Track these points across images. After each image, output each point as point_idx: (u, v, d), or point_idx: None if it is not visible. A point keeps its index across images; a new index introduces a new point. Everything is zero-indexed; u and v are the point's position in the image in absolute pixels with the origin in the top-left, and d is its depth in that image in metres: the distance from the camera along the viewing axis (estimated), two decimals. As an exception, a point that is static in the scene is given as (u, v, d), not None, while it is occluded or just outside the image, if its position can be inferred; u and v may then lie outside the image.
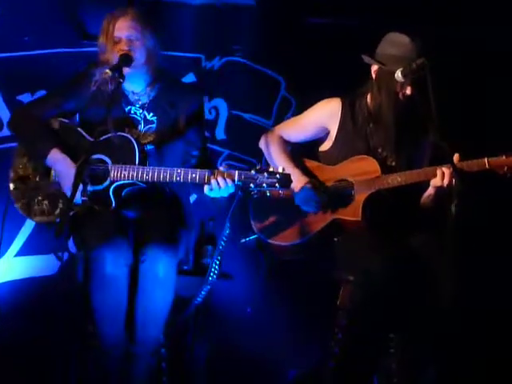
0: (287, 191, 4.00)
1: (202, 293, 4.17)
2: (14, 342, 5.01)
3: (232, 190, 3.96)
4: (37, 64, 5.48)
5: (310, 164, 4.45)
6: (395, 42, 4.22)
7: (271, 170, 3.89)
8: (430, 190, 4.18)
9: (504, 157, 4.05)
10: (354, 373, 4.09)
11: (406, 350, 4.08)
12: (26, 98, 5.43)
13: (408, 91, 4.19)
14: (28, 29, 5.48)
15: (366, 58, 4.31)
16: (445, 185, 4.04)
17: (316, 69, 5.48)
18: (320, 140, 4.50)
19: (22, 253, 5.43)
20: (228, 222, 4.10)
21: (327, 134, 4.46)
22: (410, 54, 4.15)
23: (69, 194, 3.98)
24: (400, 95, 4.22)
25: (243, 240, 4.49)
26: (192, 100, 4.37)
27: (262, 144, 4.52)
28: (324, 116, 4.43)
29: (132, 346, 4.01)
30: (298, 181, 4.27)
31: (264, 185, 3.87)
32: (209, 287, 4.17)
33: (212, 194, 3.99)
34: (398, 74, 4.12)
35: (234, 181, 3.92)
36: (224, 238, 4.13)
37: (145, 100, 4.32)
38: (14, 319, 5.08)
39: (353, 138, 4.36)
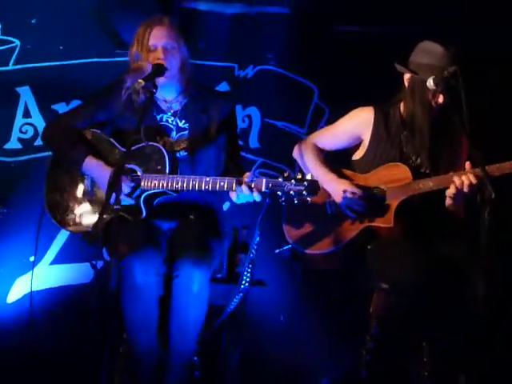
0: (315, 198, 3.97)
1: (235, 300, 4.18)
2: (49, 349, 5.05)
3: (259, 198, 3.94)
4: (72, 73, 5.53)
5: (343, 172, 4.44)
6: (427, 51, 4.21)
7: (299, 177, 3.87)
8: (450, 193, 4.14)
9: None
10: (386, 382, 4.08)
11: (438, 359, 4.06)
12: (61, 107, 5.49)
13: (440, 99, 4.17)
14: (63, 38, 5.53)
15: (399, 67, 4.30)
16: (465, 189, 4.02)
17: (349, 77, 5.48)
18: (353, 149, 4.50)
19: (57, 261, 5.48)
20: (258, 229, 4.10)
21: (361, 142, 4.45)
22: (443, 62, 4.13)
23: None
24: (433, 103, 4.21)
25: (277, 250, 4.49)
26: (223, 106, 4.37)
27: (295, 154, 4.52)
28: (357, 124, 4.43)
29: (166, 357, 4.03)
30: (337, 185, 4.28)
31: (292, 192, 3.84)
32: (241, 295, 4.17)
33: (238, 201, 4.00)
34: (430, 82, 4.11)
35: (260, 188, 3.91)
36: (255, 246, 4.14)
37: (176, 108, 4.34)
38: (49, 326, 5.13)
39: (386, 146, 4.35)
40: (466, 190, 4.03)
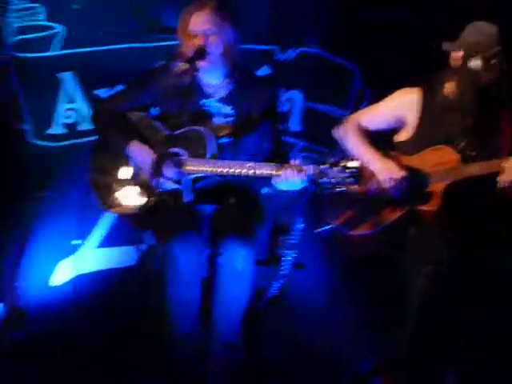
0: (360, 186, 3.97)
1: (276, 286, 4.19)
2: (94, 332, 5.09)
3: (303, 184, 3.96)
4: (114, 58, 5.55)
5: (387, 153, 4.42)
6: (475, 30, 4.18)
7: (344, 164, 3.86)
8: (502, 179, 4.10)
9: None
10: (426, 367, 4.06)
11: (474, 347, 4.05)
12: (104, 92, 5.52)
13: (486, 79, 4.14)
14: (105, 23, 5.56)
15: (446, 45, 4.26)
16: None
17: (392, 58, 5.43)
18: (396, 130, 4.47)
19: (102, 244, 5.53)
20: (300, 216, 4.12)
21: (405, 123, 4.42)
22: (489, 41, 4.11)
23: (149, 179, 4.04)
24: (479, 83, 4.17)
25: (317, 230, 4.48)
26: (268, 93, 4.36)
27: (338, 133, 4.50)
28: (402, 105, 4.40)
29: (209, 339, 4.06)
30: (383, 165, 4.28)
31: (336, 179, 3.84)
32: (283, 280, 4.19)
33: (283, 188, 4.01)
34: (477, 62, 4.08)
35: (305, 175, 3.92)
36: (297, 233, 4.15)
37: (222, 93, 4.34)
38: (95, 309, 5.18)
39: (431, 127, 4.31)
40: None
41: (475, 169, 4.12)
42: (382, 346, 4.82)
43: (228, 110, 4.32)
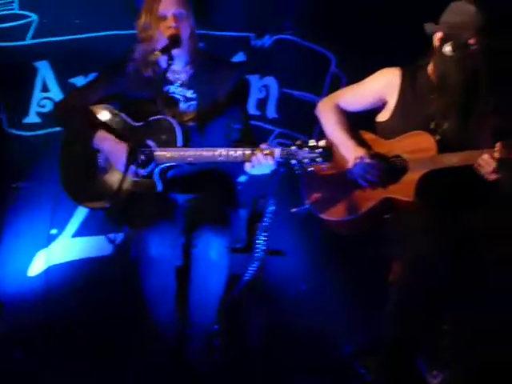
0: (329, 166, 3.97)
1: (250, 270, 4.21)
2: (70, 322, 5.08)
3: (273, 167, 3.93)
4: (89, 46, 5.52)
5: (366, 136, 4.38)
6: (460, 10, 4.15)
7: (312, 144, 3.84)
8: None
9: None
10: (405, 348, 4.06)
11: (460, 329, 4.05)
12: (79, 80, 5.49)
13: (468, 63, 4.12)
14: (80, 11, 5.52)
15: (429, 26, 4.24)
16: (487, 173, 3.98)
17: (367, 44, 5.42)
18: (377, 110, 4.43)
19: (78, 233, 5.51)
20: (271, 199, 4.12)
21: (385, 104, 4.38)
22: (476, 20, 4.09)
23: (122, 169, 4.01)
24: (462, 68, 4.14)
25: (294, 210, 4.47)
26: (231, 75, 4.33)
27: (317, 112, 4.47)
28: (382, 86, 4.36)
29: (186, 328, 4.08)
30: (353, 153, 4.24)
31: (305, 160, 3.83)
32: (257, 263, 4.20)
33: (253, 172, 3.99)
34: (448, 48, 4.08)
35: (274, 158, 3.89)
36: (269, 215, 4.15)
37: (184, 78, 4.32)
38: (70, 299, 5.17)
39: (412, 109, 4.27)
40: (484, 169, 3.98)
41: (452, 160, 4.09)
42: (365, 329, 4.85)
43: (189, 94, 4.30)
